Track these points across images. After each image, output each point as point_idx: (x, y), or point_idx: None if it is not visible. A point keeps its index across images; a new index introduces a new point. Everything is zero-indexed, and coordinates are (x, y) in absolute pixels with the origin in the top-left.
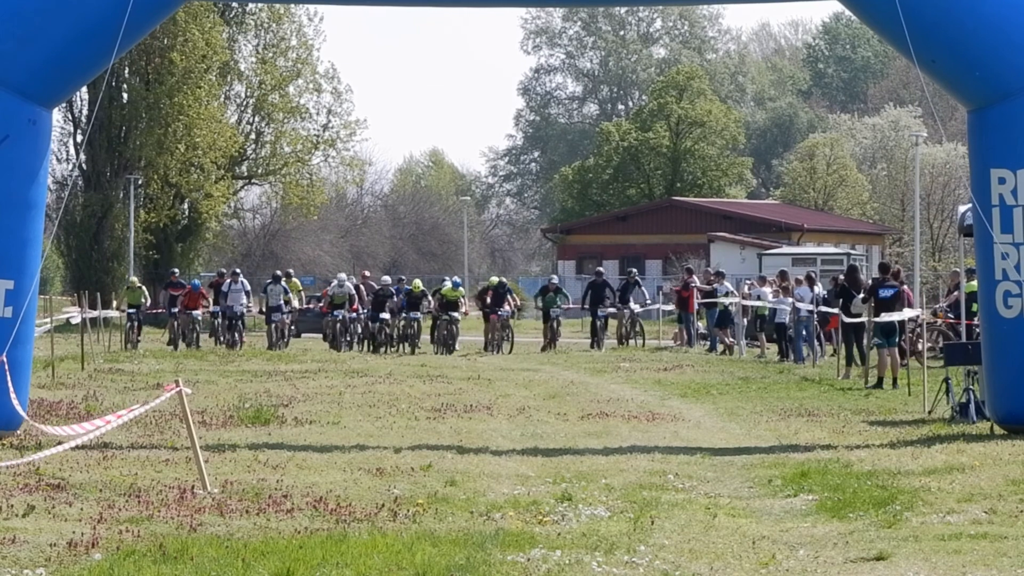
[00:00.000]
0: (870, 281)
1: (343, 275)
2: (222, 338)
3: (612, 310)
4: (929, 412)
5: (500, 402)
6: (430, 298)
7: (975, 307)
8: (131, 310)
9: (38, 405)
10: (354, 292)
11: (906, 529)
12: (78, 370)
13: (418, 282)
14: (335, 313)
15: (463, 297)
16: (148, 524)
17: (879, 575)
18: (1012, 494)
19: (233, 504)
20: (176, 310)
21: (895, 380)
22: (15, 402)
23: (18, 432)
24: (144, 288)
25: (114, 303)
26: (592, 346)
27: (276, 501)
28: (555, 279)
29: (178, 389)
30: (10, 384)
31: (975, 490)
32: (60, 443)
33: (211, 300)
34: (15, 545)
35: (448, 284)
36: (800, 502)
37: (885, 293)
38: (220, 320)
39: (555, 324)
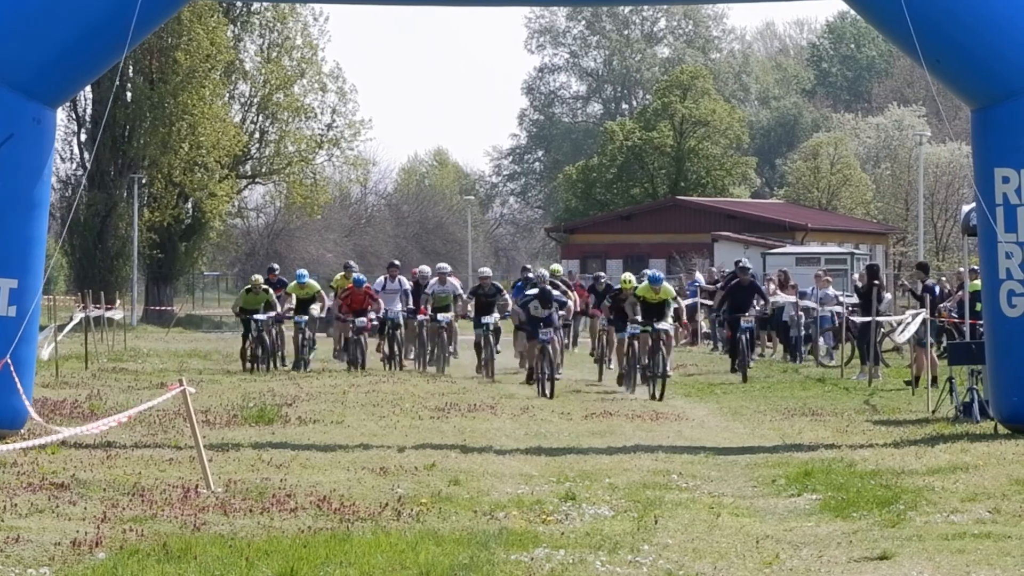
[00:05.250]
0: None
1: (445, 265)
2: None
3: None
4: (933, 412)
5: (504, 402)
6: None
7: (979, 306)
8: (258, 317)
9: (42, 404)
10: (460, 291)
11: (910, 528)
12: (82, 369)
13: (629, 277)
14: (440, 319)
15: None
16: (152, 523)
17: (883, 574)
18: (1016, 494)
19: (237, 503)
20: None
21: (934, 379)
22: (24, 399)
23: (22, 431)
24: (271, 291)
25: (117, 302)
26: (733, 369)
27: (280, 500)
28: (655, 272)
29: (182, 388)
30: (17, 381)
31: (979, 490)
32: (63, 436)
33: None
34: (19, 544)
35: (626, 278)
36: (804, 501)
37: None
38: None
39: (662, 337)
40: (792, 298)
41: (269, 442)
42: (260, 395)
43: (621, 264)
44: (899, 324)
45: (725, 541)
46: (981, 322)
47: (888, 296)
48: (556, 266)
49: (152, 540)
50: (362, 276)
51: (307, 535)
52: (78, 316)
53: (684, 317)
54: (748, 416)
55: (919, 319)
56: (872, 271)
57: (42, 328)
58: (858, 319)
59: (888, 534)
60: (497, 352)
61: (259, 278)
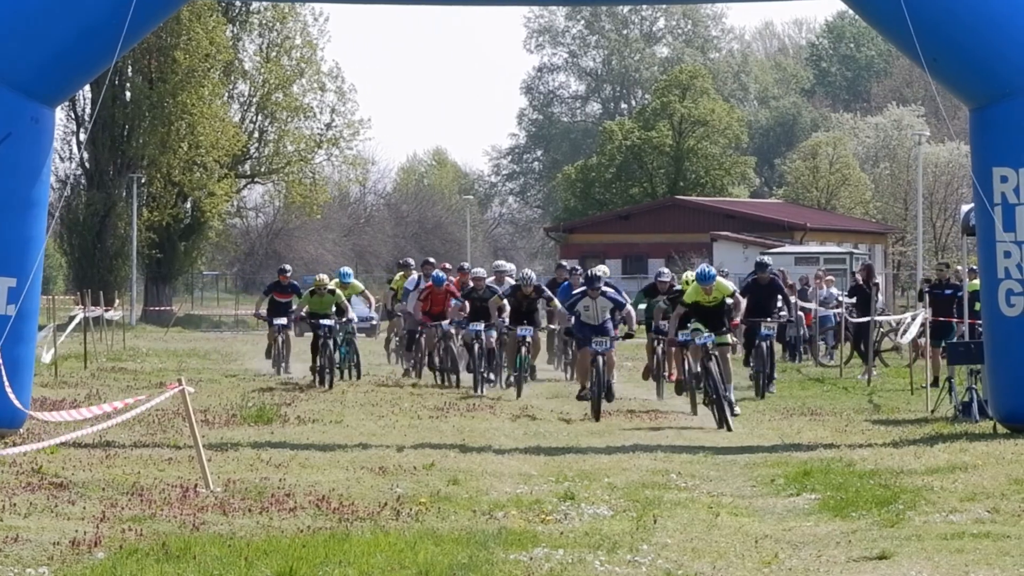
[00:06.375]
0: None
1: (502, 263)
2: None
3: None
4: (932, 411)
5: (502, 401)
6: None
7: (978, 306)
8: (324, 322)
9: (40, 403)
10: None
11: (909, 528)
12: (80, 369)
13: (691, 276)
14: (521, 331)
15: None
16: (151, 523)
17: (882, 574)
18: (1015, 493)
19: (236, 503)
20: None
21: (936, 379)
22: (10, 394)
23: (20, 431)
24: (341, 292)
25: (116, 302)
26: (758, 394)
27: (279, 500)
28: (705, 267)
29: (181, 388)
30: (5, 378)
31: (978, 489)
32: (66, 433)
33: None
34: (18, 544)
35: (688, 277)
36: (803, 501)
37: (942, 293)
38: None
39: (716, 359)
40: (791, 299)
41: (268, 442)
42: (259, 395)
43: (620, 264)
44: (898, 324)
45: (724, 541)
46: (980, 322)
47: (881, 297)
48: (603, 267)
49: (151, 540)
50: (442, 274)
51: (306, 535)
52: (78, 316)
53: (738, 317)
54: (747, 416)
55: (919, 320)
56: (868, 271)
57: (41, 328)
58: (854, 319)
59: (887, 534)
60: (492, 384)
61: (324, 277)
